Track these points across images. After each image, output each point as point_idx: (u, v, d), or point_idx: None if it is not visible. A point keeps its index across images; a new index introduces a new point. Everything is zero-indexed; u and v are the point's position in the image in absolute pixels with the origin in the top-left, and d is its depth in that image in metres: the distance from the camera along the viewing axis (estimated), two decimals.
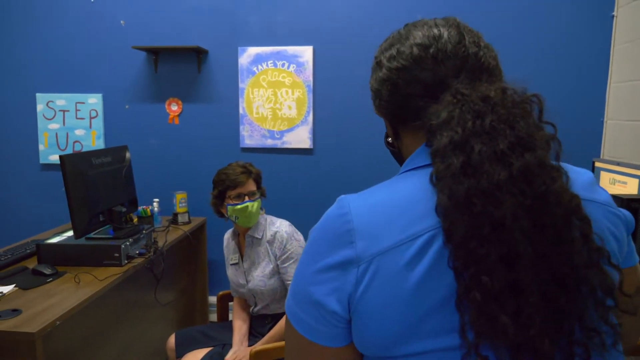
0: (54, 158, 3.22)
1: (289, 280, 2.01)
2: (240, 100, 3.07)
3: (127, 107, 3.18)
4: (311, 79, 2.99)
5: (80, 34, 3.15)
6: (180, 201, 2.85)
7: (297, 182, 3.09)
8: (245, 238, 2.11)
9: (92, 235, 2.05)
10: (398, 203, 0.60)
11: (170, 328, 2.67)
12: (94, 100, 3.19)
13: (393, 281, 0.56)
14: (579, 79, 2.78)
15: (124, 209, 2.15)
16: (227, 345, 2.08)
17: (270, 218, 2.15)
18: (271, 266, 2.04)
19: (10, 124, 3.27)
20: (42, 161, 3.27)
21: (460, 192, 0.54)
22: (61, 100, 3.21)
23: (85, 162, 1.98)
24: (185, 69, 3.11)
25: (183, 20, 3.06)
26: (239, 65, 3.05)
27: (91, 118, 3.20)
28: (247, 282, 2.10)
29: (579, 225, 0.56)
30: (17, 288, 1.74)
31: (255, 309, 2.14)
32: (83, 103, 3.19)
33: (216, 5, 3.03)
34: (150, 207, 2.77)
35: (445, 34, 0.66)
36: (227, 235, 2.24)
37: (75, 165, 1.90)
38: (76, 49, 3.16)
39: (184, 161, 3.18)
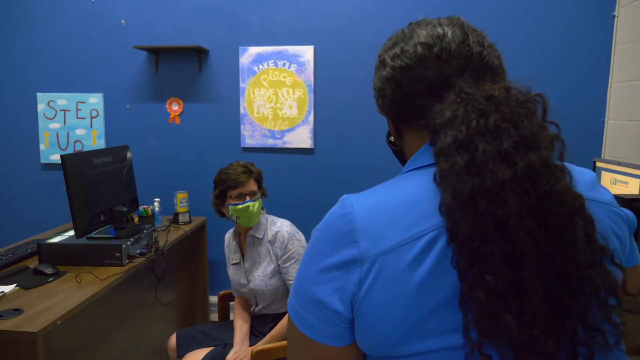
0: (55, 158, 3.22)
1: (290, 280, 2.01)
2: (241, 99, 3.07)
3: (128, 106, 3.19)
4: (312, 78, 2.99)
5: (81, 34, 3.15)
6: (181, 201, 2.85)
7: (297, 182, 3.09)
8: (247, 238, 2.11)
9: (93, 234, 2.05)
10: (401, 203, 0.60)
11: (171, 328, 2.67)
12: (95, 100, 3.19)
13: (396, 281, 0.56)
14: (579, 79, 2.78)
15: (125, 209, 2.15)
16: (228, 345, 2.08)
17: (271, 218, 2.15)
18: (272, 266, 2.04)
19: (11, 123, 3.28)
20: (42, 161, 3.27)
21: (465, 191, 0.54)
22: (62, 99, 3.21)
23: (87, 162, 1.98)
24: (186, 68, 3.11)
25: (184, 20, 3.06)
26: (240, 64, 3.05)
27: (92, 118, 3.20)
28: (248, 282, 2.10)
29: (582, 225, 0.56)
30: (18, 288, 1.74)
31: (257, 309, 2.14)
32: (84, 103, 3.19)
33: (217, 5, 3.03)
34: (151, 207, 2.77)
35: (450, 33, 0.66)
36: (228, 235, 2.24)
37: (76, 165, 1.91)
38: (77, 48, 3.16)
39: (184, 161, 3.18)
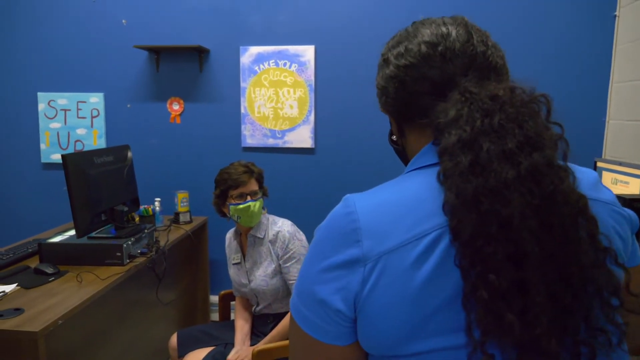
0: (56, 157, 3.22)
1: (291, 280, 2.01)
2: (241, 99, 3.07)
3: (128, 106, 3.19)
4: (313, 78, 2.99)
5: (81, 33, 3.15)
6: (181, 200, 2.85)
7: (298, 182, 3.09)
8: (247, 238, 2.11)
9: (94, 234, 2.05)
10: (404, 202, 0.60)
11: (172, 327, 2.67)
12: (96, 100, 3.19)
13: (399, 280, 0.56)
14: (580, 79, 2.78)
15: (125, 208, 2.15)
16: (229, 345, 2.08)
17: (272, 218, 2.15)
18: (273, 266, 2.04)
19: (12, 123, 3.28)
20: (43, 160, 3.27)
21: (468, 190, 0.54)
22: (63, 99, 3.21)
23: (87, 162, 1.98)
24: (187, 68, 3.11)
25: (184, 19, 3.06)
26: (241, 64, 3.05)
27: (93, 117, 3.21)
28: (249, 281, 2.10)
29: (585, 225, 0.56)
30: (19, 287, 1.74)
31: (257, 309, 2.14)
32: (84, 102, 3.19)
33: (218, 5, 3.03)
34: (151, 207, 2.78)
35: (454, 33, 0.66)
36: (229, 234, 2.24)
37: (77, 165, 1.91)
38: (78, 48, 3.16)
39: (185, 160, 3.18)
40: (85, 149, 3.19)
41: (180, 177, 3.16)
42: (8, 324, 1.44)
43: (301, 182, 3.09)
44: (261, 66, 3.03)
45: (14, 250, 2.09)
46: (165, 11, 3.06)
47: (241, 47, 3.04)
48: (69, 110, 3.21)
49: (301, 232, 2.11)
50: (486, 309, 0.52)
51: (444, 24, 0.68)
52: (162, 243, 2.32)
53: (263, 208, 2.11)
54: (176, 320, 2.80)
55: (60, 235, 2.13)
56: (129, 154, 2.34)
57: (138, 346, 2.36)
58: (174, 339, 2.16)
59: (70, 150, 3.22)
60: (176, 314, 2.80)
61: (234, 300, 2.29)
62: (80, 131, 3.22)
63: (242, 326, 2.13)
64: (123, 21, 3.11)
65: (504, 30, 2.78)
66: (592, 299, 0.55)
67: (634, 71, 2.53)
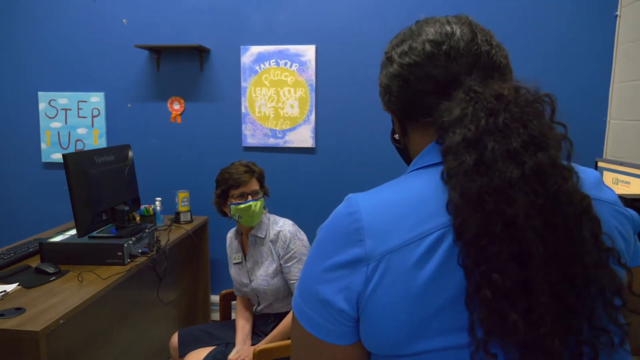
0: (56, 157, 3.22)
1: (292, 280, 2.01)
2: (242, 99, 3.07)
3: (129, 105, 3.19)
4: (313, 78, 2.99)
5: (82, 33, 3.15)
6: (182, 200, 2.85)
7: (299, 181, 3.09)
8: (248, 237, 2.11)
9: (94, 234, 2.05)
10: (407, 201, 0.60)
11: (172, 327, 2.67)
12: (96, 99, 3.19)
13: (402, 280, 0.56)
14: (581, 79, 2.78)
15: (126, 208, 2.15)
16: (230, 344, 2.08)
17: (273, 217, 2.15)
18: (274, 265, 2.04)
19: (12, 122, 3.28)
20: (44, 160, 3.27)
21: (473, 189, 0.54)
22: (63, 98, 3.21)
23: (88, 161, 1.98)
24: (188, 67, 3.11)
25: (185, 19, 3.06)
26: (242, 64, 3.05)
27: (93, 117, 3.21)
28: (250, 281, 2.10)
29: (589, 225, 0.56)
30: (20, 287, 1.74)
31: (259, 308, 2.14)
32: (85, 102, 3.19)
33: (218, 4, 3.03)
34: (152, 206, 2.78)
35: (458, 32, 0.66)
36: (230, 234, 2.24)
37: (78, 164, 1.91)
38: (78, 47, 3.16)
39: (186, 160, 3.18)
40: (86, 148, 3.19)
41: (181, 176, 3.16)
42: (9, 324, 1.44)
43: (302, 181, 3.09)
44: (262, 66, 3.03)
45: (15, 250, 2.09)
46: (166, 11, 3.06)
47: (242, 47, 3.03)
48: (70, 109, 3.21)
49: (302, 232, 2.11)
50: (490, 308, 0.52)
51: (448, 22, 0.68)
52: (162, 243, 2.32)
53: (264, 208, 2.11)
54: (177, 320, 2.80)
55: (61, 234, 2.13)
56: (130, 154, 2.34)
57: (139, 346, 2.36)
58: (174, 339, 2.16)
59: (71, 149, 3.22)
60: (177, 314, 2.80)
61: (234, 299, 2.29)
62: (81, 131, 3.22)
63: (243, 326, 2.13)
64: (124, 21, 3.11)
65: (504, 30, 2.74)
66: (595, 299, 0.55)
67: (635, 71, 2.52)
